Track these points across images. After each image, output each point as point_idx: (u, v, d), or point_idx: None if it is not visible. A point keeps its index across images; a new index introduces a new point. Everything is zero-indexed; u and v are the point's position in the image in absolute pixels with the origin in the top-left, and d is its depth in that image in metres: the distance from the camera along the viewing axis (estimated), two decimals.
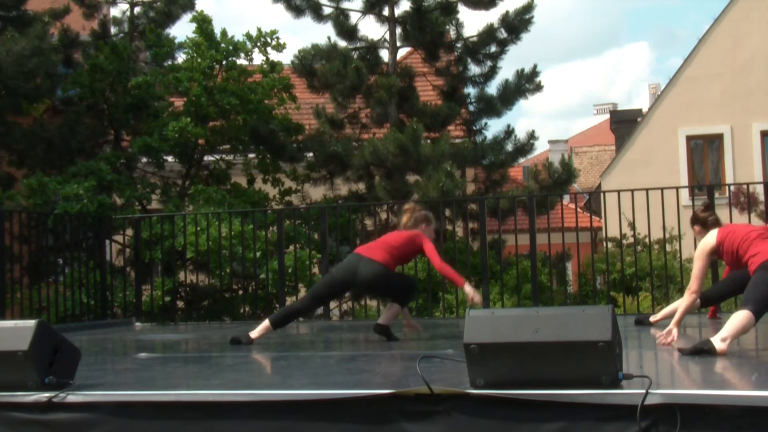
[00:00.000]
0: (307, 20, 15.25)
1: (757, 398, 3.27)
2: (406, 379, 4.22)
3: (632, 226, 9.29)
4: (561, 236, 9.70)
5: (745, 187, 15.32)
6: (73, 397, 3.90)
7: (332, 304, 11.38)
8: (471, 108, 15.14)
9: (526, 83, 14.67)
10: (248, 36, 14.37)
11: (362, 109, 14.84)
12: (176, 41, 15.12)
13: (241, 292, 12.27)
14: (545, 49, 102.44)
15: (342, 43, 14.63)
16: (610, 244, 13.11)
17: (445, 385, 3.65)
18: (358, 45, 14.86)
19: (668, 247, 11.55)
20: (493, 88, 15.27)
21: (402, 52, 15.73)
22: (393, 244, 6.79)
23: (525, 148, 14.67)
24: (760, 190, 14.29)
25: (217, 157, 14.92)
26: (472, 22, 55.90)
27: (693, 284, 5.61)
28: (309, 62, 14.38)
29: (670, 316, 6.89)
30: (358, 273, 6.61)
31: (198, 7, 19.57)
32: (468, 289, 6.60)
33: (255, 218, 11.33)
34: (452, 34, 14.95)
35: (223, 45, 14.21)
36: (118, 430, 3.82)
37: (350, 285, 6.90)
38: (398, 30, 14.65)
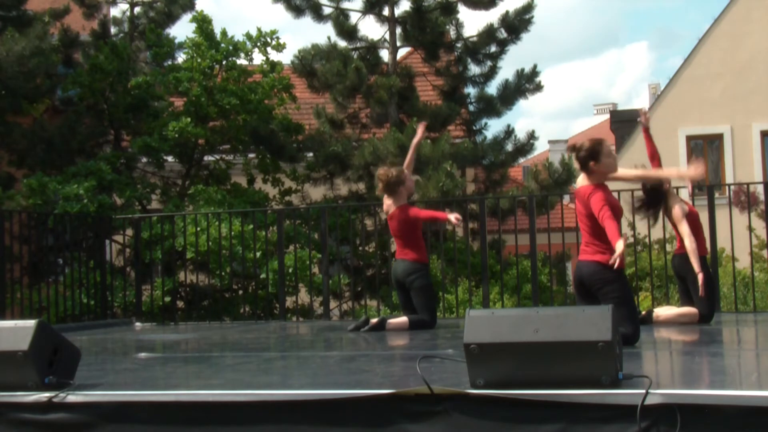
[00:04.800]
0: (307, 20, 15.26)
1: (757, 398, 3.27)
2: (406, 379, 4.21)
3: (632, 226, 9.28)
4: (561, 236, 9.70)
5: (745, 186, 15.31)
6: (73, 397, 3.90)
7: (332, 304, 11.39)
8: (471, 108, 15.14)
9: (526, 83, 14.67)
10: (248, 36, 14.37)
11: (362, 109, 14.83)
12: (176, 41, 15.12)
13: (241, 292, 12.27)
14: (545, 49, 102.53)
15: (342, 43, 14.64)
16: None
17: (445, 385, 3.64)
18: (358, 45, 14.86)
19: (668, 247, 11.55)
20: (493, 88, 15.30)
21: (402, 52, 15.73)
22: (399, 235, 7.47)
23: (525, 148, 14.67)
24: (760, 190, 14.29)
25: (217, 157, 14.92)
26: (472, 22, 55.88)
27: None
28: (309, 62, 14.38)
29: (675, 320, 6.90)
30: (397, 274, 7.47)
31: (198, 7, 19.58)
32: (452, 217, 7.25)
33: (255, 218, 11.33)
34: (452, 34, 14.95)
35: (223, 45, 14.21)
36: (118, 430, 3.82)
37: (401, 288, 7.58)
38: (398, 30, 14.65)
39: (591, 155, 5.40)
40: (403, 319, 7.34)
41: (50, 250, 10.83)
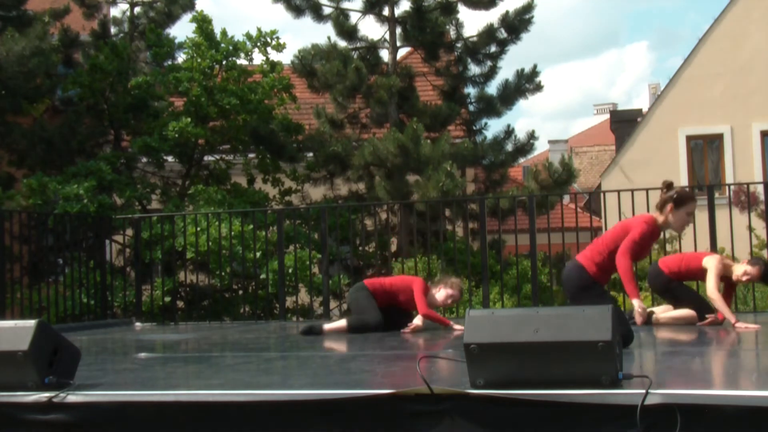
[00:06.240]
0: (307, 20, 15.27)
1: (757, 398, 3.26)
2: (406, 379, 4.21)
3: None
4: (561, 236, 9.70)
5: (745, 186, 15.30)
6: (73, 397, 3.89)
7: (332, 304, 11.39)
8: (471, 108, 15.14)
9: (526, 83, 14.68)
10: (248, 36, 14.38)
11: (362, 109, 14.83)
12: (176, 41, 15.13)
13: (241, 292, 12.27)
14: (545, 49, 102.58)
15: (342, 43, 14.65)
16: None
17: (445, 385, 3.64)
18: (358, 45, 14.86)
19: (668, 247, 11.56)
20: (493, 88, 15.32)
21: (402, 52, 15.74)
22: (388, 289, 7.43)
23: (525, 148, 14.67)
24: (760, 190, 14.28)
25: (217, 157, 14.92)
26: (472, 22, 55.92)
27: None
28: (309, 62, 14.38)
29: (675, 322, 6.89)
30: None
31: (198, 7, 19.58)
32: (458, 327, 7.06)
33: (255, 218, 11.32)
34: (452, 34, 14.95)
35: (223, 45, 14.22)
36: (118, 430, 3.82)
37: None
38: (398, 30, 14.65)
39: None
40: (342, 322, 7.42)
41: (50, 250, 10.83)
